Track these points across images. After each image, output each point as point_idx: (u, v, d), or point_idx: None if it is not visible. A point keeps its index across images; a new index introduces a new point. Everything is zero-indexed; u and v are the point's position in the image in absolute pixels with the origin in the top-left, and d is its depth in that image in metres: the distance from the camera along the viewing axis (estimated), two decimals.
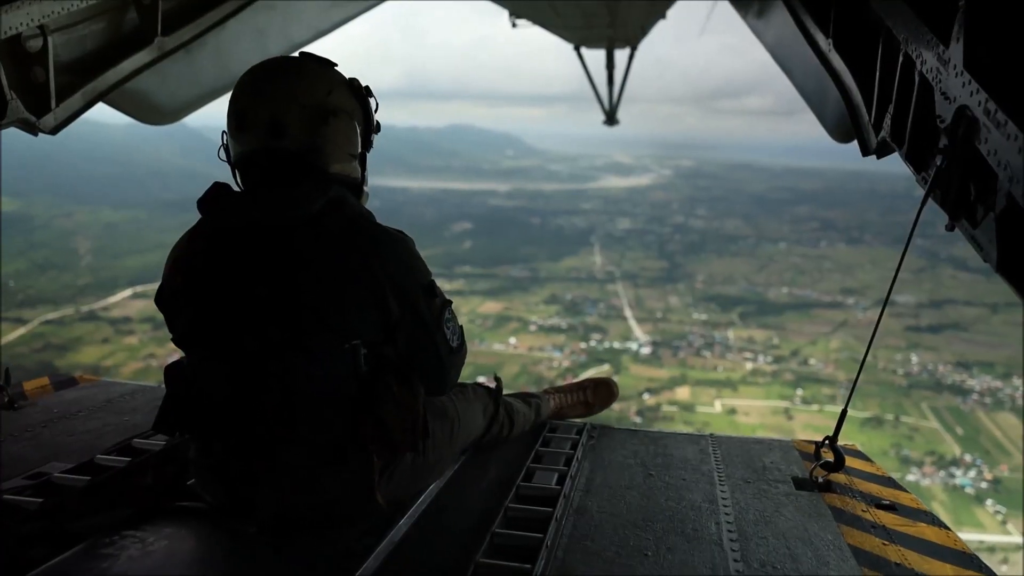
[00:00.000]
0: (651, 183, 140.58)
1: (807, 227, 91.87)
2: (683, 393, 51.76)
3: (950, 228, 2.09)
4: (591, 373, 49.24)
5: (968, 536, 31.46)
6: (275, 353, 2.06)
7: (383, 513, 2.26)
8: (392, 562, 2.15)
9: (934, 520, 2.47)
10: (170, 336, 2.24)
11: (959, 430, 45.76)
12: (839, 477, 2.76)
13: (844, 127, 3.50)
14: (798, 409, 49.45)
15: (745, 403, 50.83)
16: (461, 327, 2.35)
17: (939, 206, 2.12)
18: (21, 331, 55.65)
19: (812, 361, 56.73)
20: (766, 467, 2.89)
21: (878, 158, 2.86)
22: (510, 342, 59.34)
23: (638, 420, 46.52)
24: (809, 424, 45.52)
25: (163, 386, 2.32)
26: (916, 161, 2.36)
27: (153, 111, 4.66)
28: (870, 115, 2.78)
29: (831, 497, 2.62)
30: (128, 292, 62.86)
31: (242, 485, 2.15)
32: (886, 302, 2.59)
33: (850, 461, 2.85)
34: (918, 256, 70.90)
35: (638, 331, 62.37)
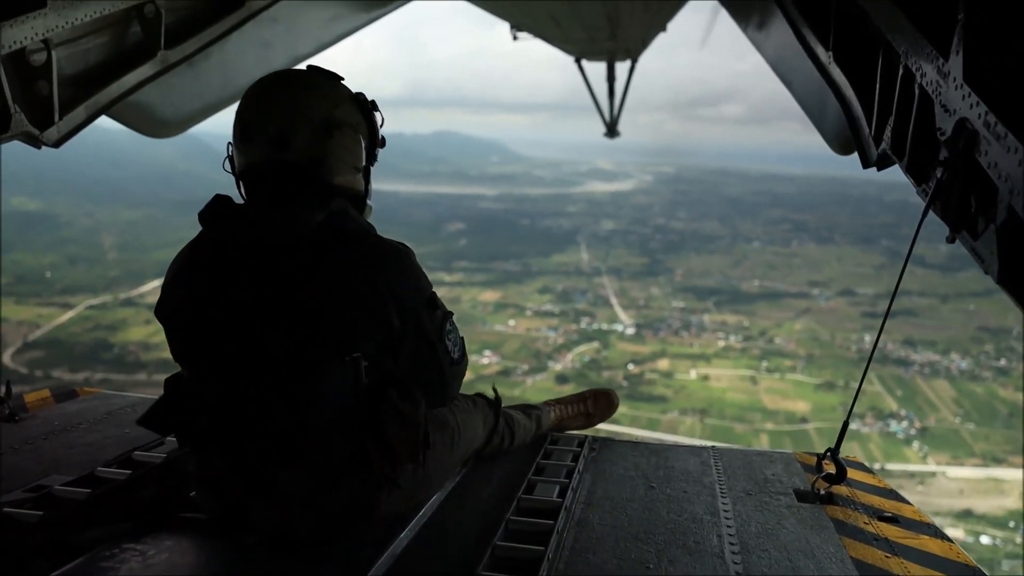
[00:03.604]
0: (633, 188, 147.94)
1: (780, 228, 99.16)
2: (663, 364, 60.11)
3: (951, 240, 2.10)
4: (582, 349, 62.31)
5: (894, 466, 45.06)
6: (276, 368, 2.06)
7: (384, 525, 2.26)
8: (393, 574, 2.14)
9: (937, 532, 2.46)
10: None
11: (899, 392, 54.55)
12: (841, 489, 2.75)
13: (844, 139, 3.51)
14: (762, 377, 58.39)
15: (717, 372, 59.47)
16: (462, 339, 2.35)
17: (940, 218, 2.13)
18: (70, 314, 62.97)
19: (777, 340, 65.03)
20: (768, 479, 2.88)
21: (879, 170, 2.86)
22: (509, 324, 67.44)
23: (625, 384, 55.16)
24: (771, 388, 56.21)
25: None
26: (917, 173, 2.36)
27: (156, 124, 4.68)
28: (870, 127, 2.78)
29: (833, 509, 2.61)
30: (157, 282, 68.76)
31: (241, 501, 2.14)
32: (889, 309, 2.60)
33: (852, 473, 2.84)
34: (880, 254, 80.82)
35: (623, 315, 70.35)
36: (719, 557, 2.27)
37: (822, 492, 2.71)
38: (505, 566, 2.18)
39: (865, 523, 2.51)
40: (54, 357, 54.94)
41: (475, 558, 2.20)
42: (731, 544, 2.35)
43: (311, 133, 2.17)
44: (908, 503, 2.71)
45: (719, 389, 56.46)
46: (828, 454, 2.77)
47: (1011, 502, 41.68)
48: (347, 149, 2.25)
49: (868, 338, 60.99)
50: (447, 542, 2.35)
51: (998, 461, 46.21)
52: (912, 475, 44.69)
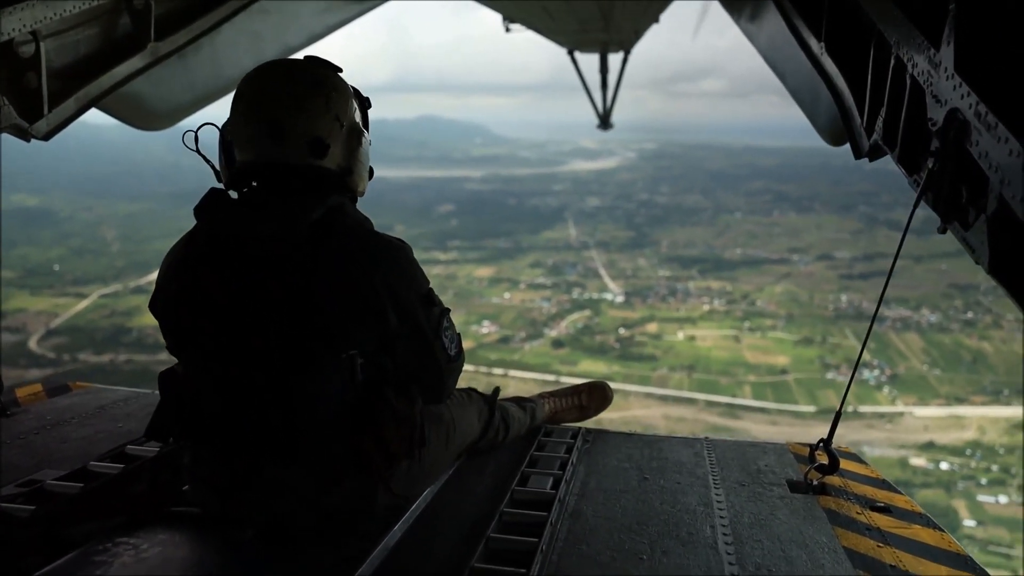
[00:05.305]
0: (617, 165, 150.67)
1: (761, 199, 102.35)
2: (652, 328, 64.24)
3: (942, 230, 2.10)
4: (575, 317, 66.40)
5: (865, 408, 49.27)
6: (272, 364, 2.05)
7: (378, 518, 2.26)
8: (387, 567, 2.14)
9: (928, 522, 2.47)
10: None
11: (872, 345, 54.50)
12: (834, 480, 2.75)
13: (836, 130, 3.51)
14: (745, 335, 62.51)
15: (702, 332, 63.33)
16: (459, 335, 2.33)
17: (931, 208, 2.13)
18: (86, 303, 65.84)
19: (759, 303, 69.04)
20: (761, 470, 2.89)
21: (870, 161, 2.86)
22: (505, 296, 71.99)
23: (616, 346, 60.40)
24: (753, 345, 60.16)
25: (156, 392, 2.30)
26: (908, 164, 2.36)
27: (147, 116, 4.65)
28: (862, 118, 2.78)
29: (826, 500, 2.63)
30: None
31: (236, 496, 2.14)
32: (881, 299, 2.61)
33: (844, 463, 2.85)
34: (857, 219, 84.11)
35: (612, 285, 74.27)
36: (712, 548, 2.28)
37: (815, 482, 2.72)
38: (499, 558, 2.18)
39: (857, 513, 2.52)
40: (77, 342, 57.62)
41: (469, 550, 2.20)
42: (724, 535, 2.36)
43: (343, 141, 2.17)
44: (900, 493, 2.72)
45: (705, 348, 60.37)
46: (821, 444, 2.77)
47: (969, 435, 46.32)
48: (365, 153, 2.27)
49: (845, 298, 66.90)
50: (441, 534, 2.35)
51: (960, 400, 50.97)
52: (882, 416, 49.16)
